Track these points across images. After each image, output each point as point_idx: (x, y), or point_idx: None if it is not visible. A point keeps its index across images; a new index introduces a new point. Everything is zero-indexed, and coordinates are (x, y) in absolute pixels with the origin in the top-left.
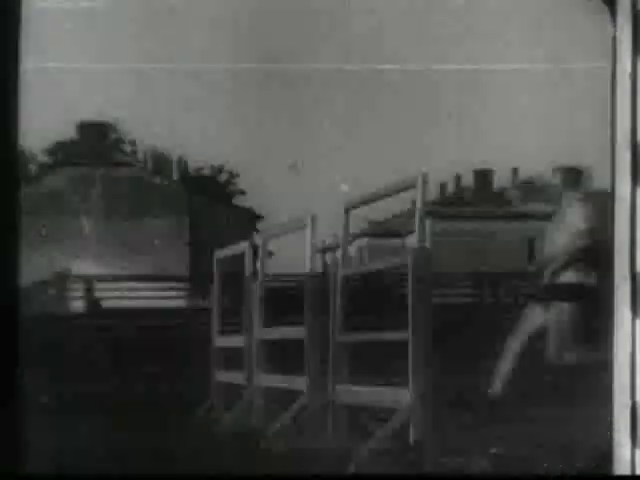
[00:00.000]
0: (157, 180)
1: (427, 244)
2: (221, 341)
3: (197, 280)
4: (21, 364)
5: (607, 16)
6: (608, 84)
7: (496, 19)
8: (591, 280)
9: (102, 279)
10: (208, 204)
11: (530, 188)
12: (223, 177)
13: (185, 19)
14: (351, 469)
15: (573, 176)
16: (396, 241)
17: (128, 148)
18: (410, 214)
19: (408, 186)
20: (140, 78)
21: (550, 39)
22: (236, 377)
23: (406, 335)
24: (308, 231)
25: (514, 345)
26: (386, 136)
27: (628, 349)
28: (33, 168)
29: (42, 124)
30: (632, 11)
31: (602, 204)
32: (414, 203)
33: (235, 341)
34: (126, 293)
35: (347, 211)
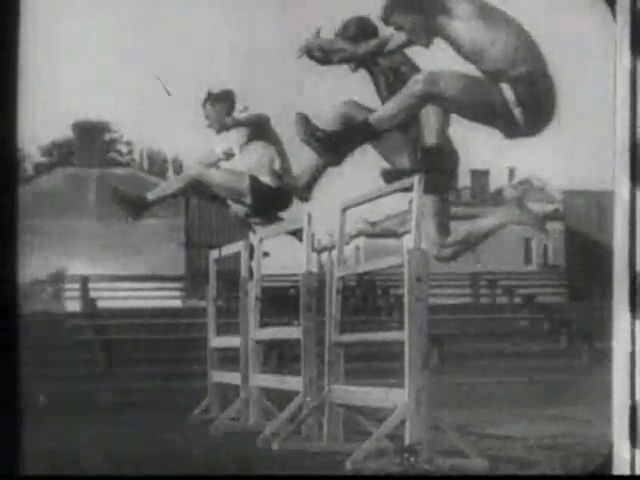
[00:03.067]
0: (153, 180)
1: (423, 245)
2: (217, 341)
3: (193, 280)
4: (18, 364)
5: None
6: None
7: None
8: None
9: (98, 279)
10: (203, 204)
11: (527, 188)
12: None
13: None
14: (347, 469)
15: None
16: (393, 241)
17: (124, 148)
18: (407, 214)
19: (405, 187)
20: (139, 78)
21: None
22: (232, 377)
23: (402, 335)
24: (304, 231)
25: None
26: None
27: (628, 349)
28: (28, 168)
29: (39, 124)
30: (632, 11)
31: None
32: (411, 203)
33: (231, 341)
34: (122, 293)
35: (343, 211)
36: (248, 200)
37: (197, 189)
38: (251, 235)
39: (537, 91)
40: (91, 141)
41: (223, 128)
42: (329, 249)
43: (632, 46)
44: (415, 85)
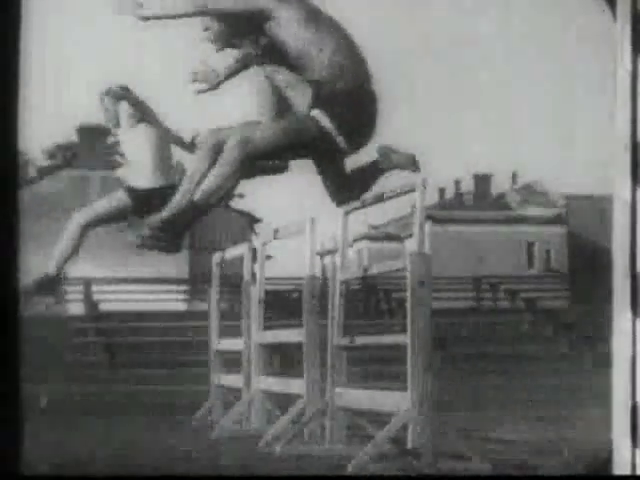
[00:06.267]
0: None
1: (426, 248)
2: (220, 344)
3: (196, 283)
4: (20, 365)
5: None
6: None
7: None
8: None
9: (100, 282)
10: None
11: (529, 192)
12: None
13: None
14: (349, 472)
15: None
16: (395, 245)
17: None
18: (410, 218)
19: (408, 190)
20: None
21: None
22: (234, 380)
23: (405, 339)
24: (307, 234)
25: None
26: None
27: (628, 349)
28: (32, 171)
29: (42, 127)
30: (632, 11)
31: None
32: (414, 207)
33: (234, 344)
34: (125, 296)
35: (346, 214)
36: (130, 210)
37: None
38: (254, 238)
39: (357, 108)
40: (94, 144)
41: (118, 124)
42: (332, 252)
43: (633, 46)
44: (231, 153)
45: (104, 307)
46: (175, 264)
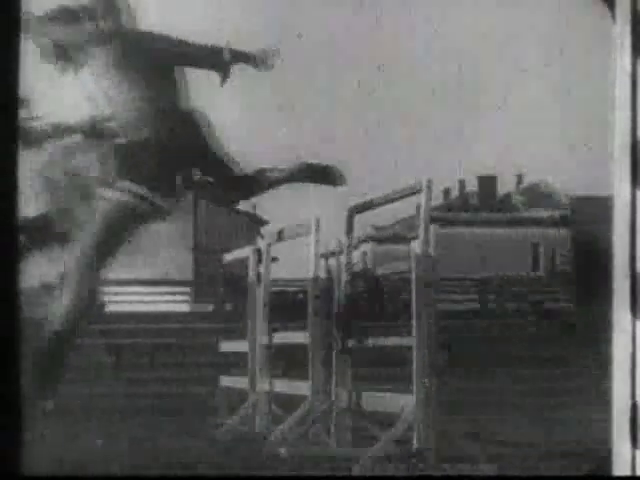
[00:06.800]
0: None
1: (431, 250)
2: (225, 346)
3: (201, 285)
4: (23, 366)
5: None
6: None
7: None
8: None
9: (105, 283)
10: (212, 208)
11: (534, 193)
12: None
13: None
14: (354, 474)
15: None
16: (401, 247)
17: None
18: (415, 219)
19: (413, 191)
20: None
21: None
22: (240, 382)
23: (410, 341)
24: (312, 236)
25: None
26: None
27: (628, 349)
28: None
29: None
30: (632, 11)
31: None
32: (419, 208)
33: (239, 346)
34: (129, 297)
35: (351, 216)
36: (26, 245)
37: None
38: (259, 240)
39: (166, 158)
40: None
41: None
42: (337, 254)
43: (632, 47)
44: (74, 273)
45: (109, 308)
46: (180, 266)
